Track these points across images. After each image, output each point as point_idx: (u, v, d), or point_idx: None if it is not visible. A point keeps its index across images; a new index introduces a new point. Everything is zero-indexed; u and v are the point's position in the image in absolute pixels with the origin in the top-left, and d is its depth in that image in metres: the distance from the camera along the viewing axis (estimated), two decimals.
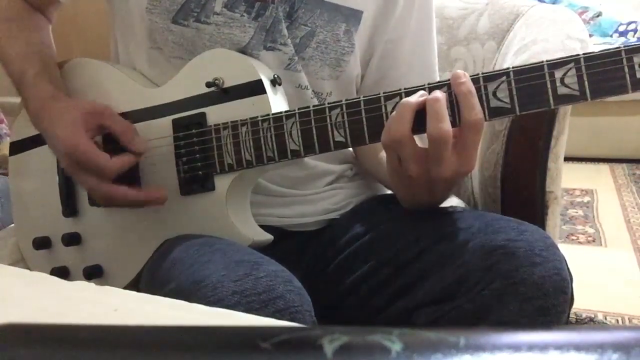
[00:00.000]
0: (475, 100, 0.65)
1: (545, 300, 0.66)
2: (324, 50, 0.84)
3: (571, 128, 1.01)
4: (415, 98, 0.67)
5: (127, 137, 0.78)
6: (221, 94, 0.78)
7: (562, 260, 0.69)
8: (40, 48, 0.86)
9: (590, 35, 2.46)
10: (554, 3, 2.89)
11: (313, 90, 0.85)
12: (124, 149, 0.79)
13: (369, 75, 0.90)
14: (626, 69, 0.61)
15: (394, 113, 0.68)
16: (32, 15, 0.90)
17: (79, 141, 0.76)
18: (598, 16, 3.10)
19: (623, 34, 3.02)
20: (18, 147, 0.95)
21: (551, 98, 0.64)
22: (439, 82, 0.68)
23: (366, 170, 0.96)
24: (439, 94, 0.66)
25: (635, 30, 3.00)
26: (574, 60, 0.63)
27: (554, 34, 1.03)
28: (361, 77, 0.90)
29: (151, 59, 0.85)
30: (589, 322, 1.58)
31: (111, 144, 0.80)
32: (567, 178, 1.50)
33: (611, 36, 3.03)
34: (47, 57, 0.86)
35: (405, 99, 0.67)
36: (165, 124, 0.81)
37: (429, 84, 0.68)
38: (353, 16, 0.84)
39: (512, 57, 1.06)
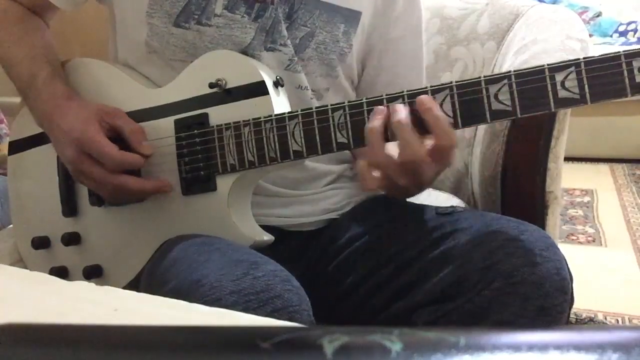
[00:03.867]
0: (445, 122, 0.65)
1: (545, 300, 0.66)
2: (323, 51, 0.84)
3: (571, 128, 1.01)
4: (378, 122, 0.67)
5: (136, 139, 0.79)
6: (224, 94, 0.78)
7: (562, 260, 0.69)
8: (46, 51, 0.87)
9: (590, 35, 2.46)
10: (554, 3, 2.89)
11: (312, 90, 0.86)
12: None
13: (368, 73, 0.91)
14: (625, 73, 0.61)
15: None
16: (32, 19, 0.90)
17: (92, 129, 0.77)
18: (598, 16, 3.10)
19: (623, 34, 3.02)
20: (17, 146, 0.95)
21: (552, 101, 0.64)
22: (440, 84, 0.68)
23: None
24: (402, 114, 0.65)
25: (635, 30, 2.99)
26: (575, 64, 0.63)
27: (554, 34, 1.03)
28: (357, 75, 0.91)
29: (151, 63, 0.85)
30: (589, 322, 1.58)
31: (119, 145, 0.80)
32: (567, 178, 1.50)
33: (611, 36, 3.03)
34: (54, 59, 0.87)
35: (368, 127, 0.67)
36: (167, 124, 0.81)
37: (431, 86, 0.68)
38: (352, 17, 0.84)
39: (512, 57, 1.06)
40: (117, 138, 0.78)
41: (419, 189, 0.73)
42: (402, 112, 0.66)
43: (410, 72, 0.91)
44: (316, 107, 0.73)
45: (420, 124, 0.66)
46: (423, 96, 0.66)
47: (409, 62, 0.92)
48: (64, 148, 0.79)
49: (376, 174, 0.67)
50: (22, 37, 0.87)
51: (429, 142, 0.67)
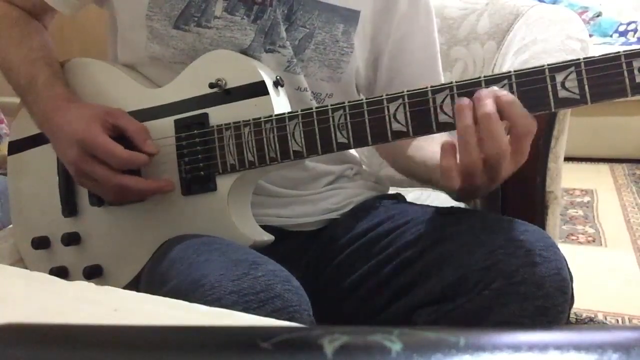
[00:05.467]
0: (520, 107, 0.63)
1: (545, 300, 0.66)
2: (322, 52, 0.84)
3: (571, 128, 1.01)
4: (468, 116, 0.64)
5: (141, 138, 0.78)
6: (224, 94, 0.78)
7: (562, 260, 0.69)
8: (44, 53, 0.86)
9: (590, 35, 2.46)
10: (554, 3, 2.89)
11: (312, 92, 0.86)
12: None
13: (381, 76, 0.91)
14: (626, 74, 0.61)
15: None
16: (30, 21, 0.90)
17: (95, 130, 0.76)
18: (598, 16, 3.10)
19: (623, 34, 3.02)
20: (17, 146, 0.95)
21: (552, 101, 0.64)
22: (441, 84, 0.68)
23: (398, 168, 0.96)
24: (489, 106, 0.63)
25: (635, 30, 2.99)
26: (575, 64, 0.63)
27: (554, 34, 1.03)
28: (365, 78, 0.90)
29: (151, 66, 0.85)
30: (589, 322, 1.58)
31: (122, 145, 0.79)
32: (567, 178, 1.50)
33: (611, 36, 3.03)
34: (52, 61, 0.86)
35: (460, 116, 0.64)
36: (167, 124, 0.81)
37: (431, 86, 0.68)
38: (350, 16, 0.84)
39: (512, 57, 1.06)
40: (119, 138, 0.78)
41: (493, 187, 0.70)
42: (488, 104, 0.63)
43: (426, 70, 0.91)
44: (316, 107, 0.73)
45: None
46: (493, 86, 0.64)
47: (423, 61, 0.91)
48: (66, 149, 0.78)
49: (460, 172, 0.66)
50: (20, 40, 0.87)
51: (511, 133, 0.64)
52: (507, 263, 0.68)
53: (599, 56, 0.62)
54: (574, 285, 0.70)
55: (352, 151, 0.96)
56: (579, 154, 2.80)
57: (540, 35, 1.04)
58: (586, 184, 2.61)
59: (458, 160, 0.65)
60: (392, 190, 1.00)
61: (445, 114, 0.67)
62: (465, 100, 0.64)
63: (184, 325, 0.26)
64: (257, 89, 0.76)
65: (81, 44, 2.66)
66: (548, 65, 0.64)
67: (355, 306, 0.81)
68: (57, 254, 0.91)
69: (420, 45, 0.91)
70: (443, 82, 0.91)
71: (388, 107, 0.69)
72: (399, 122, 0.69)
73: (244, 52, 0.81)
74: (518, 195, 1.01)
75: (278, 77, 0.78)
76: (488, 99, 0.63)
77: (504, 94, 0.63)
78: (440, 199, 1.11)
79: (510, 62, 1.05)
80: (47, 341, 0.25)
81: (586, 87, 0.63)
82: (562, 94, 0.64)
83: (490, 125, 0.62)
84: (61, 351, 0.24)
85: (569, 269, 0.70)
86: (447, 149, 0.66)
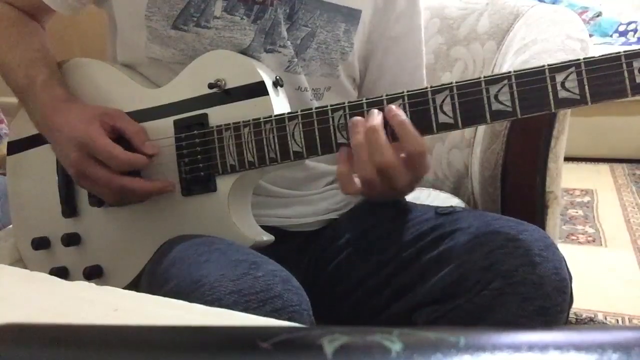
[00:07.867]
0: (410, 128, 0.66)
1: (545, 300, 0.67)
2: (324, 51, 0.84)
3: (571, 128, 1.01)
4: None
5: (140, 139, 0.78)
6: (223, 95, 0.78)
7: (561, 260, 0.69)
8: (43, 54, 0.86)
9: (590, 35, 2.46)
10: (554, 3, 2.89)
11: (313, 89, 0.86)
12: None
13: (371, 72, 0.91)
14: (626, 74, 0.61)
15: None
16: (28, 22, 0.90)
17: (95, 131, 0.76)
18: (598, 16, 3.10)
19: (623, 34, 3.02)
20: (16, 146, 0.95)
21: (552, 102, 0.64)
22: (441, 85, 0.68)
23: None
24: (376, 120, 0.67)
25: (635, 30, 2.99)
26: (575, 64, 0.63)
27: (554, 34, 1.03)
28: (359, 74, 0.91)
29: (150, 66, 0.85)
30: (589, 322, 1.58)
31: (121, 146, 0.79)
32: (567, 178, 1.50)
33: (611, 36, 3.03)
34: (51, 62, 0.86)
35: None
36: (166, 124, 0.81)
37: (431, 86, 0.68)
38: (352, 16, 0.85)
39: (512, 57, 1.06)
40: (118, 139, 0.78)
41: (398, 194, 0.75)
42: (376, 118, 0.67)
43: (413, 70, 0.92)
44: (316, 108, 0.73)
45: (393, 132, 0.68)
46: (391, 104, 0.68)
47: (411, 60, 0.92)
48: (66, 151, 0.78)
49: (356, 178, 0.69)
50: (18, 41, 0.86)
51: (402, 150, 0.68)
52: (506, 263, 0.68)
53: (599, 56, 0.62)
54: (574, 285, 0.70)
55: None
56: (579, 154, 2.80)
57: (540, 35, 1.04)
58: (586, 184, 2.61)
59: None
60: None
61: (445, 114, 0.67)
62: (359, 118, 0.68)
63: (184, 325, 0.26)
64: (257, 89, 0.76)
65: (81, 44, 2.66)
66: (548, 65, 0.64)
67: (355, 306, 0.81)
68: (57, 255, 0.91)
69: (411, 45, 0.92)
70: (425, 81, 0.92)
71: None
72: None
73: (244, 52, 0.81)
74: (518, 195, 1.01)
75: (277, 77, 0.78)
76: (378, 114, 0.67)
77: (397, 114, 0.67)
78: (440, 199, 1.11)
79: (510, 62, 1.05)
80: (47, 341, 0.25)
81: (586, 87, 0.63)
82: (562, 94, 0.64)
83: (374, 137, 0.66)
84: (61, 351, 0.24)
85: (568, 268, 0.70)
86: (341, 155, 0.70)
